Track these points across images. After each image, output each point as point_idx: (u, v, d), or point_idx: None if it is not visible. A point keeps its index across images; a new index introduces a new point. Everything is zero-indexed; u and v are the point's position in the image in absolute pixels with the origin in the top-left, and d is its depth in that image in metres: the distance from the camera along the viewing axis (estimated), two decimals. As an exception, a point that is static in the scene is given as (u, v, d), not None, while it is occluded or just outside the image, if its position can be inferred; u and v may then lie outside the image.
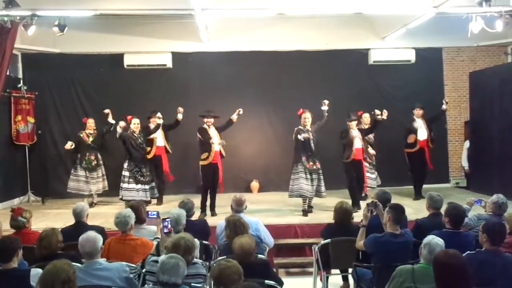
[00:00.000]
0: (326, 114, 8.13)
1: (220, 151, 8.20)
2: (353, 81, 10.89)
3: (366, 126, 9.10)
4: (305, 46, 10.74)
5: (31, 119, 10.23)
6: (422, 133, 9.27)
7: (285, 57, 10.70)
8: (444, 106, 9.36)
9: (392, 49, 10.88)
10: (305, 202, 8.07)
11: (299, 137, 7.78)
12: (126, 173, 8.41)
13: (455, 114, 11.34)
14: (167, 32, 10.28)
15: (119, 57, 10.53)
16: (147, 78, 10.63)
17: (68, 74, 10.68)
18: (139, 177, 8.35)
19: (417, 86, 10.78)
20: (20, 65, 10.53)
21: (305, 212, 8.02)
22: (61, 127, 10.65)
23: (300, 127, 7.99)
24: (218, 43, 10.62)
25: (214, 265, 3.53)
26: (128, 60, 10.53)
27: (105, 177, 9.50)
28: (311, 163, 7.98)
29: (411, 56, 10.93)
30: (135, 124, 8.57)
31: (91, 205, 9.24)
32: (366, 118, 9.20)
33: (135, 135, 8.48)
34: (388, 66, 10.96)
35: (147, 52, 10.48)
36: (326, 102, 8.13)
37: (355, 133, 8.39)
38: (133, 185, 8.32)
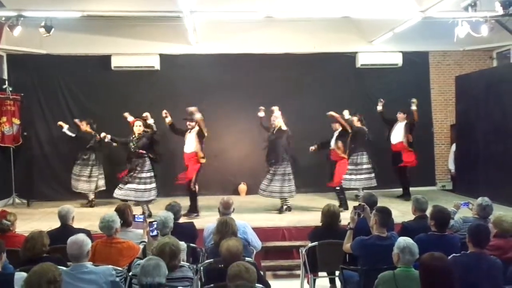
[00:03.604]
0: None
1: (192, 152, 8.21)
2: (341, 84, 10.95)
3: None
4: (293, 49, 10.78)
5: (17, 121, 10.11)
6: (396, 137, 9.43)
7: (273, 60, 10.72)
8: (413, 107, 9.45)
9: (379, 52, 10.97)
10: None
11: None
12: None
13: (441, 117, 11.46)
14: (155, 34, 10.25)
15: (107, 58, 10.47)
16: (135, 80, 10.59)
17: (55, 75, 10.60)
18: (128, 177, 8.17)
19: (404, 89, 10.85)
20: (5, 66, 10.42)
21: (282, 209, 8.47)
22: (47, 129, 10.55)
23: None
24: (206, 45, 10.62)
25: (235, 264, 3.52)
26: (115, 62, 10.48)
27: (101, 176, 9.48)
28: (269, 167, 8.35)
29: (398, 60, 11.04)
30: (137, 126, 8.31)
31: (91, 205, 9.33)
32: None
33: (132, 137, 8.28)
34: (376, 69, 11.04)
35: (134, 54, 10.44)
36: (262, 107, 8.47)
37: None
38: (121, 185, 8.17)
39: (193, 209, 8.22)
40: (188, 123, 8.23)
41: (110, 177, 9.43)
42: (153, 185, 8.33)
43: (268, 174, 8.34)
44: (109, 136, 8.52)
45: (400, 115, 9.48)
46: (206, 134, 8.14)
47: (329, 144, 8.78)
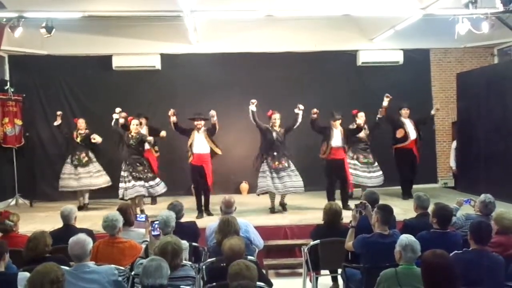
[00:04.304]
0: (300, 119, 8.21)
1: (208, 153, 8.26)
2: (342, 82, 10.95)
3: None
4: (294, 48, 10.77)
5: (19, 122, 10.14)
6: (411, 132, 9.34)
7: (274, 59, 10.71)
8: (433, 112, 9.44)
9: (380, 50, 10.96)
10: (273, 200, 8.42)
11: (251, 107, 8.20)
12: (123, 173, 8.21)
13: (443, 114, 11.44)
14: (155, 34, 10.26)
15: (108, 58, 10.47)
16: (136, 79, 10.59)
17: (56, 76, 10.62)
18: (135, 173, 8.13)
19: (405, 87, 10.84)
20: (7, 67, 10.43)
21: (273, 210, 8.39)
22: (49, 130, 10.54)
23: (268, 127, 8.30)
24: (207, 44, 10.62)
25: (235, 263, 3.53)
26: (116, 62, 10.49)
27: (103, 172, 9.33)
28: (276, 163, 8.19)
29: (399, 58, 11.02)
30: (134, 125, 8.23)
31: (84, 206, 9.17)
32: (362, 117, 9.23)
33: (131, 135, 8.20)
34: (377, 67, 11.02)
35: (135, 53, 10.44)
36: (301, 106, 8.20)
37: (335, 132, 8.39)
38: (132, 183, 8.09)
39: (198, 209, 8.30)
40: (196, 122, 8.21)
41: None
42: (158, 179, 8.42)
43: (273, 171, 8.20)
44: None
45: (404, 111, 9.40)
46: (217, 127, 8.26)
47: (325, 134, 8.47)
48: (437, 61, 11.47)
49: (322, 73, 10.88)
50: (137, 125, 8.31)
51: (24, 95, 10.26)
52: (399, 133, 9.38)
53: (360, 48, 11.02)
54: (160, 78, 10.75)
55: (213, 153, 8.36)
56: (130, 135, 8.22)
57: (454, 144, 10.84)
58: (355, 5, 8.53)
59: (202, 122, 8.22)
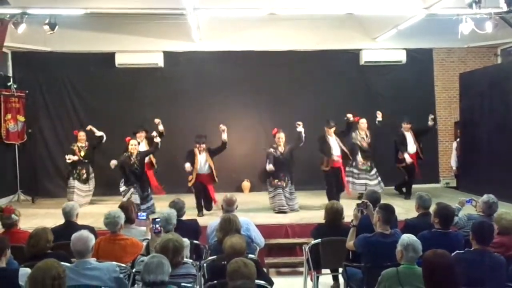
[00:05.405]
0: (303, 136, 8.15)
1: (209, 174, 8.22)
2: (344, 82, 10.94)
3: (363, 132, 9.18)
4: (296, 46, 10.77)
5: (21, 118, 10.17)
6: (411, 147, 9.35)
7: (277, 57, 10.71)
8: (429, 123, 9.37)
9: (383, 49, 10.94)
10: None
11: (267, 167, 8.02)
12: (121, 189, 8.19)
13: (445, 114, 11.44)
14: (158, 31, 10.26)
15: (111, 56, 10.49)
16: (139, 77, 10.61)
17: (59, 72, 10.64)
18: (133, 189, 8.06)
19: (408, 86, 10.86)
20: (10, 63, 10.45)
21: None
22: (51, 126, 10.61)
23: (273, 145, 8.24)
24: (209, 42, 10.62)
25: (233, 260, 3.54)
26: (119, 59, 10.50)
27: (91, 192, 9.41)
28: (276, 181, 8.20)
29: (402, 57, 11.00)
30: (133, 145, 8.12)
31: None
32: (363, 124, 9.17)
33: (131, 158, 8.04)
34: (379, 66, 11.02)
35: (138, 51, 10.45)
36: (300, 123, 8.16)
37: (332, 140, 8.34)
38: (131, 191, 8.03)
39: (199, 208, 8.26)
40: (198, 145, 8.19)
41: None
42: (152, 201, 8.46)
43: (282, 189, 8.22)
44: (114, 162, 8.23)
45: (405, 125, 9.36)
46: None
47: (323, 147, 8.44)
48: (440, 61, 11.44)
49: (325, 72, 10.86)
50: (135, 145, 8.20)
51: (27, 91, 10.29)
52: (400, 155, 9.36)
53: (363, 47, 11.00)
54: (163, 75, 10.75)
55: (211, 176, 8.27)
56: (131, 160, 8.05)
57: (455, 144, 10.83)
58: (358, 4, 8.51)
59: (203, 145, 8.21)
